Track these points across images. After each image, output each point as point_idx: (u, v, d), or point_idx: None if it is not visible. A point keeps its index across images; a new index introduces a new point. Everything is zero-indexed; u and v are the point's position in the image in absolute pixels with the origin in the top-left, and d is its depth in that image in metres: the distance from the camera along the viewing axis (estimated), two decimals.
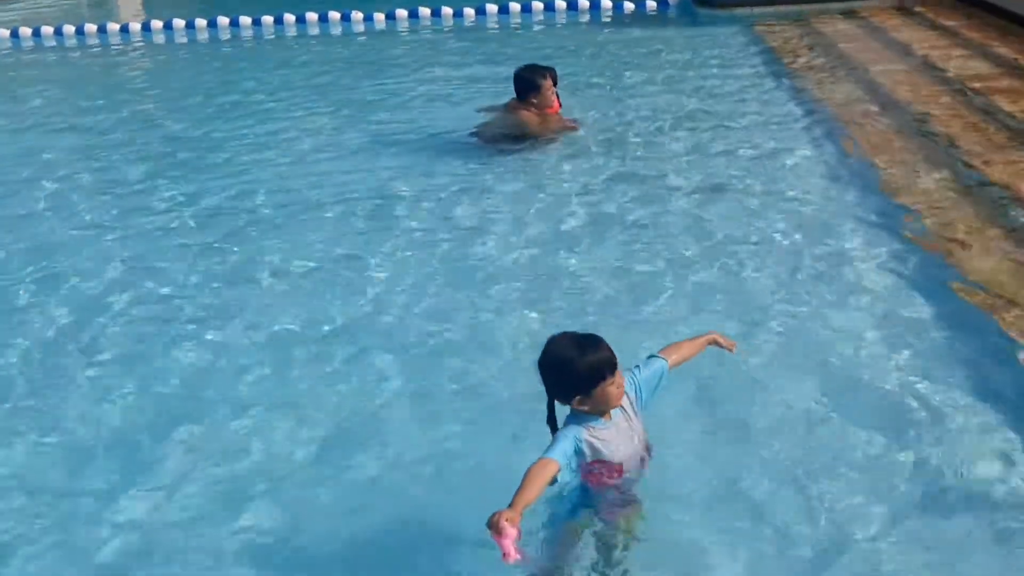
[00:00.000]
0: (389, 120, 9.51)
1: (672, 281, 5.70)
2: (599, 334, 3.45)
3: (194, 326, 5.50)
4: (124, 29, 15.09)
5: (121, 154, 8.93)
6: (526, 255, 6.17)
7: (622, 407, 3.40)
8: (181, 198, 7.59)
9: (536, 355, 3.43)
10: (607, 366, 3.27)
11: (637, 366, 3.53)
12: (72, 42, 14.78)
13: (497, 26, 14.35)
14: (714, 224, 6.50)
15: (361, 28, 14.57)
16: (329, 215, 7.11)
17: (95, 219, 7.26)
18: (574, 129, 8.51)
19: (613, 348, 3.38)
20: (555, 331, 3.51)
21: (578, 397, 3.30)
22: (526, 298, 5.59)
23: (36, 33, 15.02)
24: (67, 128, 10.01)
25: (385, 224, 6.85)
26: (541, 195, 7.18)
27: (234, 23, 14.84)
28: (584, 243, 6.32)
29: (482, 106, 9.00)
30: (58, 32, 14.98)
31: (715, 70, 10.66)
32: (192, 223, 7.09)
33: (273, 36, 14.50)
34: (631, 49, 11.97)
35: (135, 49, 14.35)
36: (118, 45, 14.57)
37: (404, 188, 7.53)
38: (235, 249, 6.57)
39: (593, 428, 3.32)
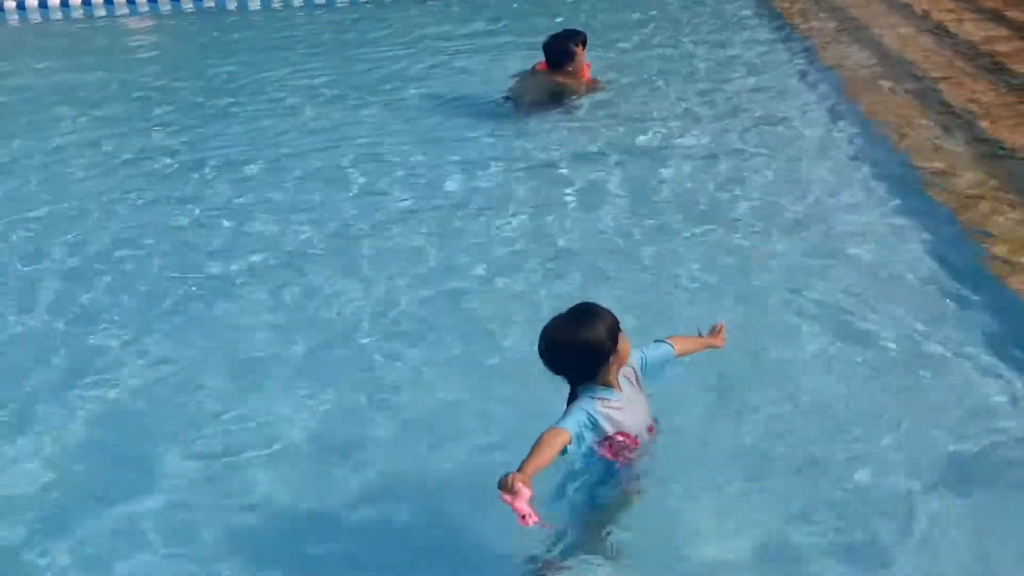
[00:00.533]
0: (410, 88, 9.58)
1: (685, 246, 5.77)
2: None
3: (203, 300, 5.55)
4: (131, 1, 15.07)
5: (125, 124, 9.04)
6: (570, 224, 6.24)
7: (630, 381, 3.48)
8: (190, 171, 7.65)
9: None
10: (615, 320, 3.37)
11: (646, 346, 3.63)
12: (79, 13, 14.77)
13: None
14: (725, 187, 6.60)
15: None
16: (357, 183, 7.17)
17: (94, 186, 7.38)
18: (600, 88, 8.65)
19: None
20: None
21: (611, 358, 3.33)
22: (567, 266, 5.64)
23: (43, 4, 15.00)
24: (75, 97, 10.10)
25: (418, 192, 6.91)
26: (566, 162, 7.25)
27: None
28: (602, 210, 6.38)
29: (515, 73, 9.00)
30: (64, 4, 14.96)
31: (723, 34, 10.65)
32: (206, 192, 7.18)
33: (281, 7, 14.47)
34: (637, 13, 11.92)
35: (142, 20, 14.35)
36: (124, 16, 14.57)
37: (439, 155, 7.61)
38: (251, 219, 6.63)
39: (606, 401, 3.36)
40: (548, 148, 7.54)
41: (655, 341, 3.70)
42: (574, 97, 8.46)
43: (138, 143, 8.36)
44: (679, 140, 7.50)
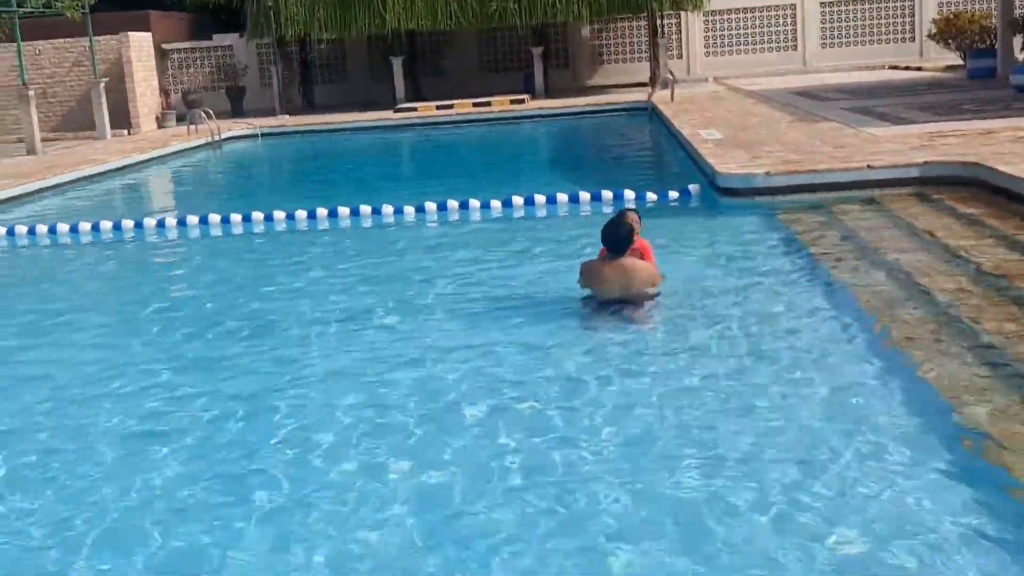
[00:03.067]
0: (472, 298, 9.95)
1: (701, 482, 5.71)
2: None
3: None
4: (160, 224, 15.53)
5: (158, 347, 9.14)
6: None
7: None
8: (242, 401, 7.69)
9: None
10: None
11: None
12: (109, 236, 15.17)
13: (523, 215, 14.67)
14: (748, 416, 6.62)
15: (391, 220, 14.92)
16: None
17: (126, 416, 7.36)
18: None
19: None
20: None
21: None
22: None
23: (74, 229, 15.44)
24: (105, 320, 10.27)
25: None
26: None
27: (268, 218, 15.25)
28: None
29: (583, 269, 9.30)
30: (95, 228, 15.39)
31: (740, 259, 10.86)
32: (246, 431, 7.17)
33: (306, 229, 14.86)
34: (656, 238, 12.17)
35: (172, 243, 14.76)
36: (154, 239, 14.97)
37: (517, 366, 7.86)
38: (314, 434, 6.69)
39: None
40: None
41: None
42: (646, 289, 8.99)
43: (166, 366, 8.46)
44: (692, 372, 7.59)
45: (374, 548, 5.26)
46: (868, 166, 13.76)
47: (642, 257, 9.17)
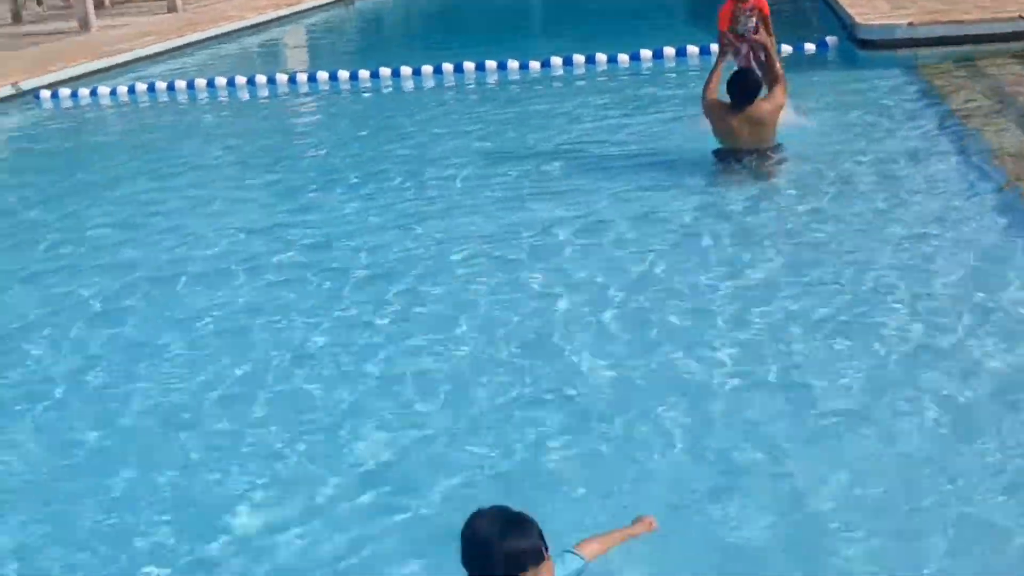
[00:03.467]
0: (599, 148, 10.14)
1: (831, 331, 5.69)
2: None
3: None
4: (292, 80, 15.71)
5: (288, 197, 9.58)
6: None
7: None
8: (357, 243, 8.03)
9: None
10: (530, 556, 2.88)
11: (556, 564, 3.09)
12: (244, 93, 15.44)
13: (651, 69, 14.35)
14: (884, 273, 6.55)
15: (517, 76, 14.76)
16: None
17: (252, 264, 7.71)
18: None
19: None
20: None
21: None
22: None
23: (211, 84, 15.77)
24: (241, 170, 10.83)
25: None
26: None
27: (395, 73, 15.28)
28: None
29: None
30: (231, 83, 15.68)
31: (876, 114, 10.47)
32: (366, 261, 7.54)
33: (433, 85, 14.85)
34: (791, 92, 11.78)
35: (303, 98, 14.96)
36: (286, 95, 15.19)
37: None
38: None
39: None
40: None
41: (564, 551, 3.29)
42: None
43: (291, 217, 8.83)
44: (828, 221, 7.47)
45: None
46: (1020, 16, 12.94)
47: (762, 13, 9.27)
